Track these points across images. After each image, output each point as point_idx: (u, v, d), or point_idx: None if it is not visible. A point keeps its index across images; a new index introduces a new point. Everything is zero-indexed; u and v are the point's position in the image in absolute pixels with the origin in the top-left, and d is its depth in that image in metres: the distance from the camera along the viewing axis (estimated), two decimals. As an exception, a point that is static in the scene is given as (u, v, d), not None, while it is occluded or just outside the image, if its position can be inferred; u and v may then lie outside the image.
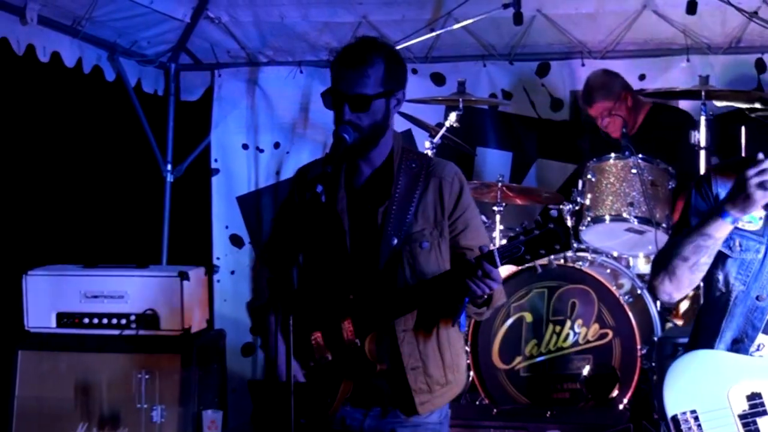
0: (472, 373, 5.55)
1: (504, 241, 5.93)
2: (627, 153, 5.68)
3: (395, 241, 3.64)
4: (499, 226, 6.00)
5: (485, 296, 3.49)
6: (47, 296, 5.87)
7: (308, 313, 3.69)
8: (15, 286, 5.84)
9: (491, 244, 3.54)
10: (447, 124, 6.26)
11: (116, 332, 5.81)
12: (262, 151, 7.84)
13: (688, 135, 6.29)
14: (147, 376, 5.69)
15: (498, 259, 3.41)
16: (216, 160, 7.97)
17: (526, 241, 3.42)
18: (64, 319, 5.84)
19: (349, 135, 3.59)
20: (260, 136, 7.87)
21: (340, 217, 3.71)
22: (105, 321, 5.84)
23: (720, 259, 3.45)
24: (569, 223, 5.82)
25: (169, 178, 7.81)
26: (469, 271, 3.41)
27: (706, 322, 3.57)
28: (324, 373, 3.67)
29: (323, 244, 3.73)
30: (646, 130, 6.42)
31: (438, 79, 7.40)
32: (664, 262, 3.49)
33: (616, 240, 5.79)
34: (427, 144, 6.26)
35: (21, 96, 6.76)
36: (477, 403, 5.54)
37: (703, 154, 5.68)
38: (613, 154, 5.74)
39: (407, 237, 3.65)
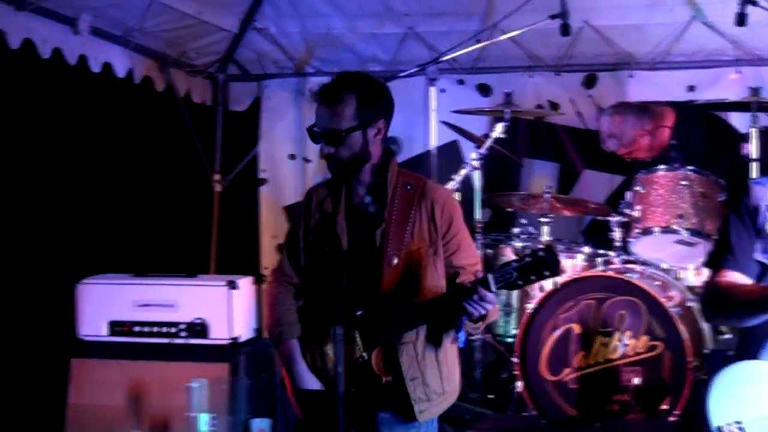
0: (520, 384, 5.56)
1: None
2: (676, 165, 5.64)
3: (395, 261, 3.88)
4: (546, 237, 6.00)
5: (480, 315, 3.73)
6: (99, 305, 5.87)
7: (318, 328, 3.96)
8: (68, 295, 5.86)
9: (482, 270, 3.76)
10: (493, 134, 6.24)
11: (166, 341, 5.81)
12: (309, 161, 7.91)
13: (720, 139, 6.30)
14: (196, 384, 5.58)
15: (492, 284, 3.64)
16: (264, 170, 8.06)
17: (518, 268, 3.65)
18: (115, 327, 5.84)
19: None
20: (307, 147, 7.87)
21: (339, 238, 3.95)
22: (155, 330, 5.84)
23: (764, 270, 3.48)
24: (618, 234, 5.84)
25: (218, 188, 7.91)
26: (465, 294, 3.66)
27: (752, 332, 3.59)
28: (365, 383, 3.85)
29: (324, 263, 3.98)
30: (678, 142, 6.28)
31: (484, 90, 7.44)
32: (719, 310, 3.66)
33: (666, 252, 5.74)
34: (474, 155, 6.27)
35: (73, 106, 6.81)
36: (525, 414, 5.55)
37: (754, 166, 5.69)
38: (662, 166, 5.70)
39: (406, 256, 3.88)
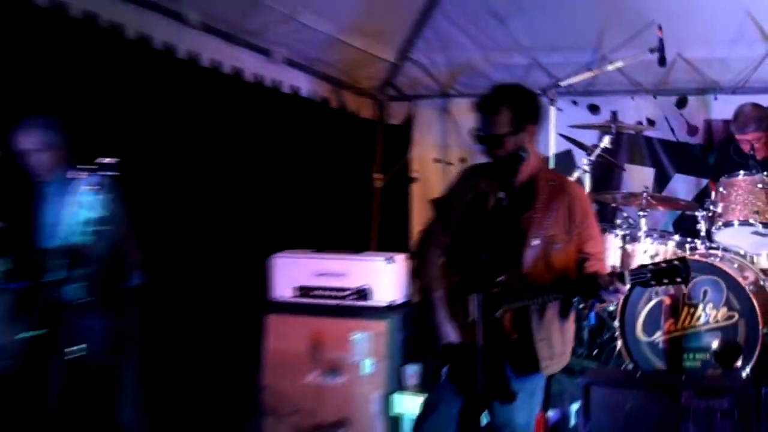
0: (620, 343, 5.51)
1: (651, 244, 5.89)
2: (754, 171, 5.56)
3: (536, 242, 3.78)
4: (643, 228, 5.95)
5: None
6: (288, 273, 5.96)
7: (460, 285, 3.86)
8: (265, 266, 5.99)
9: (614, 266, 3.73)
10: (602, 145, 6.22)
11: (338, 302, 5.85)
12: (450, 164, 7.94)
13: None
14: (362, 336, 5.70)
15: (627, 280, 3.60)
16: (416, 171, 8.15)
17: (654, 270, 3.59)
18: (300, 291, 5.93)
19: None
20: (449, 153, 7.99)
21: (489, 214, 3.83)
22: (330, 293, 5.89)
23: None
24: (704, 226, 5.75)
25: (378, 184, 8.02)
26: (604, 285, 3.59)
27: None
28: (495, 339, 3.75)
29: (472, 232, 3.84)
30: None
31: (594, 109, 7.41)
32: None
33: (744, 241, 5.66)
34: (585, 161, 6.24)
35: (270, 122, 6.99)
36: (623, 367, 5.51)
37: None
38: (742, 172, 5.61)
39: (545, 239, 3.79)
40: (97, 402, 4.88)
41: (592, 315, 4.21)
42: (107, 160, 4.22)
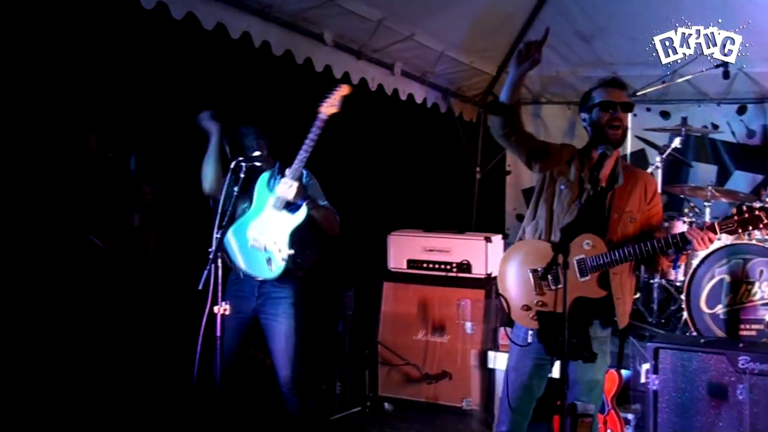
0: (685, 313, 5.42)
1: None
2: None
3: (616, 216, 3.72)
4: (708, 216, 5.87)
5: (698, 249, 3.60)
6: (401, 248, 6.02)
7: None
8: (383, 242, 6.10)
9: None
10: (672, 145, 6.19)
11: (443, 273, 5.86)
12: None
13: None
14: (463, 303, 5.72)
15: (718, 230, 3.55)
16: (509, 165, 8.12)
17: (739, 221, 3.52)
18: (411, 263, 5.96)
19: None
20: (537, 151, 7.97)
21: (579, 189, 3.73)
22: (437, 266, 5.89)
23: None
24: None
25: (478, 176, 7.96)
26: (695, 237, 3.53)
27: None
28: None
29: (560, 197, 3.75)
30: None
31: (665, 115, 7.28)
32: None
33: None
34: (657, 158, 6.20)
35: (389, 123, 7.02)
36: (688, 334, 5.45)
37: None
38: None
39: (624, 213, 3.72)
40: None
41: (679, 267, 4.09)
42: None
